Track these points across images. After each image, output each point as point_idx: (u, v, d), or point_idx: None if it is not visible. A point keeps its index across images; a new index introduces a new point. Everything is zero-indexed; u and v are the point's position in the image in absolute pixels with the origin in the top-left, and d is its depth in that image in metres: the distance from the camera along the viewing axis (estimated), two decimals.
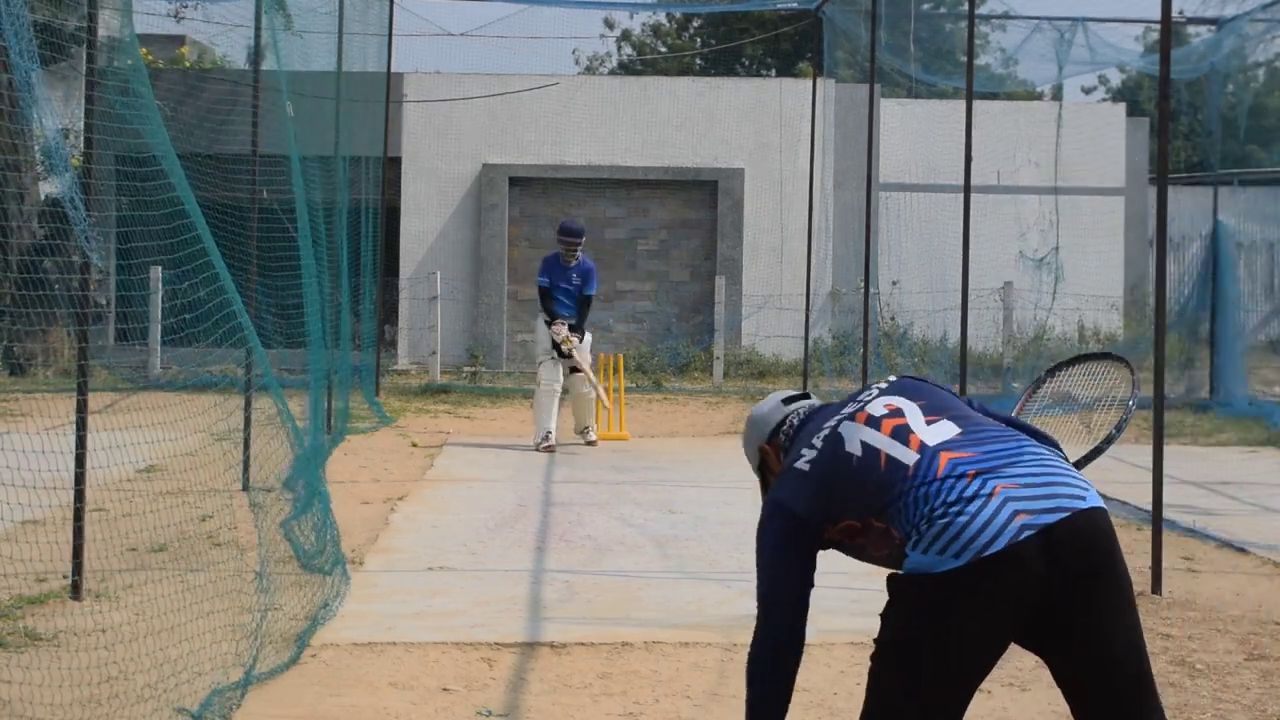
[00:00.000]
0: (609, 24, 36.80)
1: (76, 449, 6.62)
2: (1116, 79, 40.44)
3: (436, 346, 19.31)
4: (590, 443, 13.29)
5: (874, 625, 6.76)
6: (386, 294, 19.47)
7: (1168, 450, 8.23)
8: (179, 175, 6.50)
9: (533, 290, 20.94)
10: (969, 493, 3.32)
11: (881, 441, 3.53)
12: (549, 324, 13.06)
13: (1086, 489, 3.38)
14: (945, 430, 3.51)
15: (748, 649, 3.78)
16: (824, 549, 3.74)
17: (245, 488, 9.66)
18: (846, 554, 3.73)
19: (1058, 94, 25.36)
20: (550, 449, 12.83)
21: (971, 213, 11.32)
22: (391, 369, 19.92)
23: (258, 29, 10.45)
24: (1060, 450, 3.62)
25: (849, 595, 7.40)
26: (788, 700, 3.77)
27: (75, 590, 6.69)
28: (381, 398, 16.35)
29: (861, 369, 14.85)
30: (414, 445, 13.15)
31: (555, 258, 13.20)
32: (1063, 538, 3.28)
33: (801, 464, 3.66)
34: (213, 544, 7.94)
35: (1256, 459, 13.20)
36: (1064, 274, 21.37)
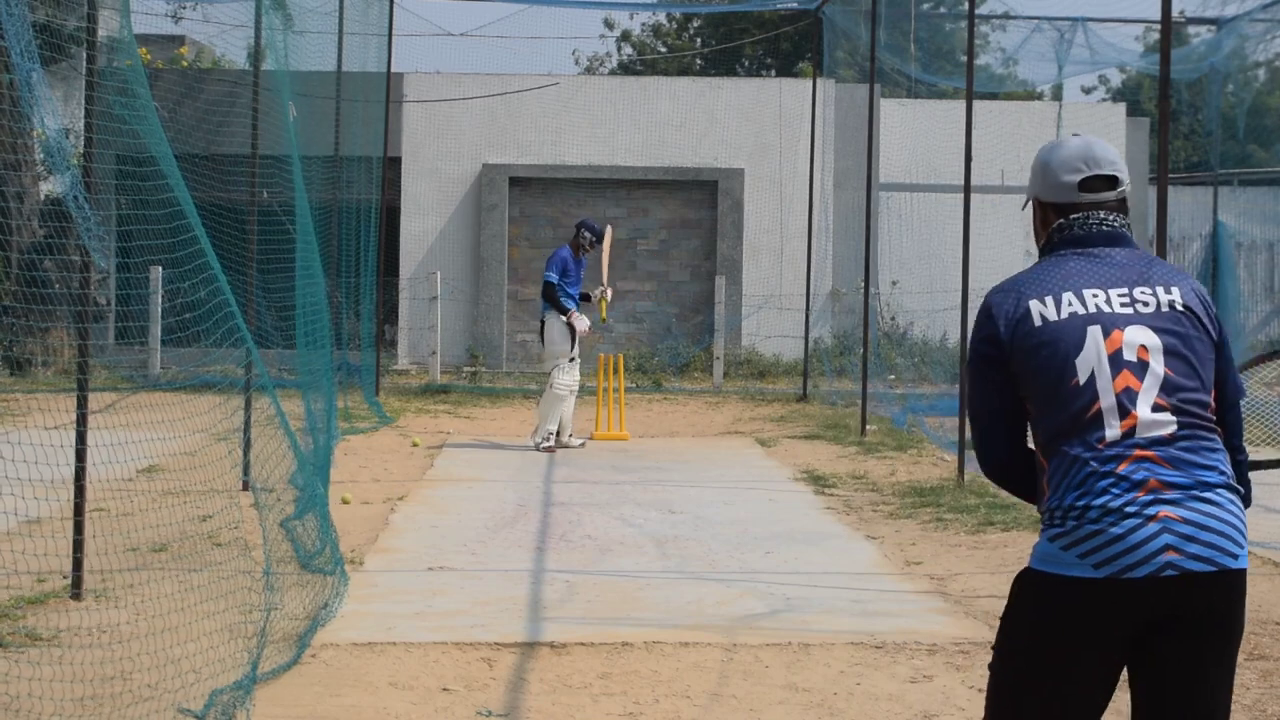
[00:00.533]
0: (609, 24, 36.81)
1: (76, 448, 6.62)
2: (1116, 79, 40.45)
3: (436, 346, 19.31)
4: (580, 444, 13.24)
5: (874, 626, 6.80)
6: (386, 294, 19.47)
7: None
8: (175, 175, 6.50)
9: (532, 290, 21.02)
10: (1134, 507, 3.17)
11: (1105, 390, 3.25)
12: (568, 313, 12.91)
13: (1241, 547, 3.24)
14: (1162, 425, 3.24)
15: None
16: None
17: (246, 488, 9.66)
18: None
19: (1058, 94, 25.37)
20: (551, 449, 12.83)
21: (974, 212, 11.31)
22: (391, 369, 19.93)
23: (258, 29, 10.45)
24: (1242, 479, 3.40)
25: (849, 595, 7.41)
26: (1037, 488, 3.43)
27: (75, 590, 6.69)
28: (381, 398, 16.35)
29: (862, 369, 14.85)
30: (415, 444, 13.15)
31: (568, 253, 13.03)
32: (1199, 589, 3.19)
33: (1036, 310, 3.34)
34: (213, 544, 7.94)
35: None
36: None
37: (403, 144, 20.60)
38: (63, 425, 6.95)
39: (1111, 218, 3.46)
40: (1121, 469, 3.21)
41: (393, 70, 17.99)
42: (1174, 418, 3.26)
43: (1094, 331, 3.29)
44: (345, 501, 9.87)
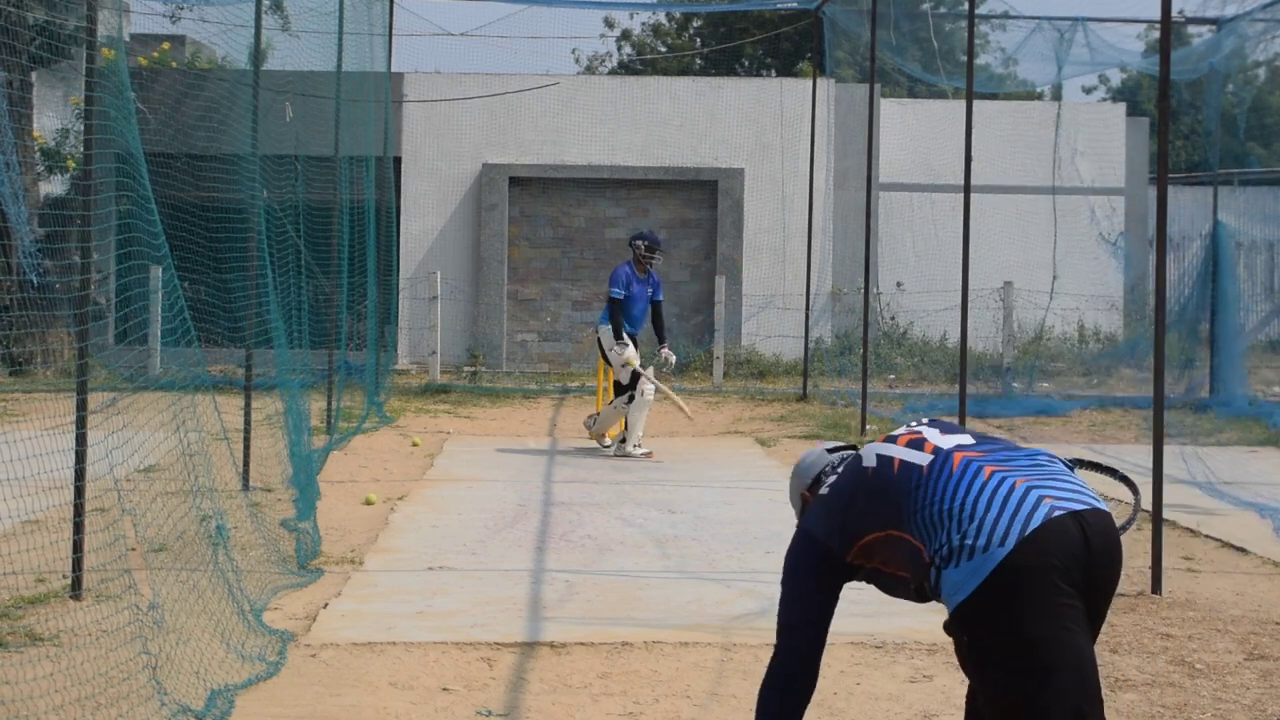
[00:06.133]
0: (609, 24, 36.80)
1: (76, 449, 6.62)
2: (1116, 79, 40.47)
3: (436, 346, 19.30)
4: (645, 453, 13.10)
5: (874, 626, 6.79)
6: (386, 293, 19.45)
7: (1168, 450, 8.24)
8: (143, 174, 6.51)
9: (532, 290, 21.04)
10: (990, 486, 3.39)
11: (895, 451, 3.63)
12: (619, 341, 12.76)
13: (1099, 499, 3.45)
14: (961, 439, 3.61)
15: (762, 677, 3.86)
16: (850, 579, 3.81)
17: (245, 488, 9.67)
18: (872, 583, 3.79)
19: (1058, 94, 25.37)
20: (650, 454, 12.74)
21: (974, 212, 11.29)
22: (391, 369, 19.91)
23: (258, 29, 10.45)
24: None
25: (848, 595, 7.39)
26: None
27: (75, 590, 6.69)
28: (381, 397, 16.34)
29: (861, 369, 14.85)
30: (415, 444, 13.15)
31: (630, 269, 12.95)
32: (1092, 524, 3.37)
33: (824, 490, 3.81)
34: (212, 544, 7.94)
35: (1256, 459, 13.19)
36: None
37: (403, 144, 20.59)
38: (62, 425, 6.94)
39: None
40: (955, 468, 3.56)
41: (393, 70, 17.98)
42: (969, 436, 3.73)
43: (865, 448, 3.85)
44: (369, 502, 9.92)
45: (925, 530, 3.45)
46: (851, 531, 3.67)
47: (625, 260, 13.21)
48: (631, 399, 12.73)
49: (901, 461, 3.59)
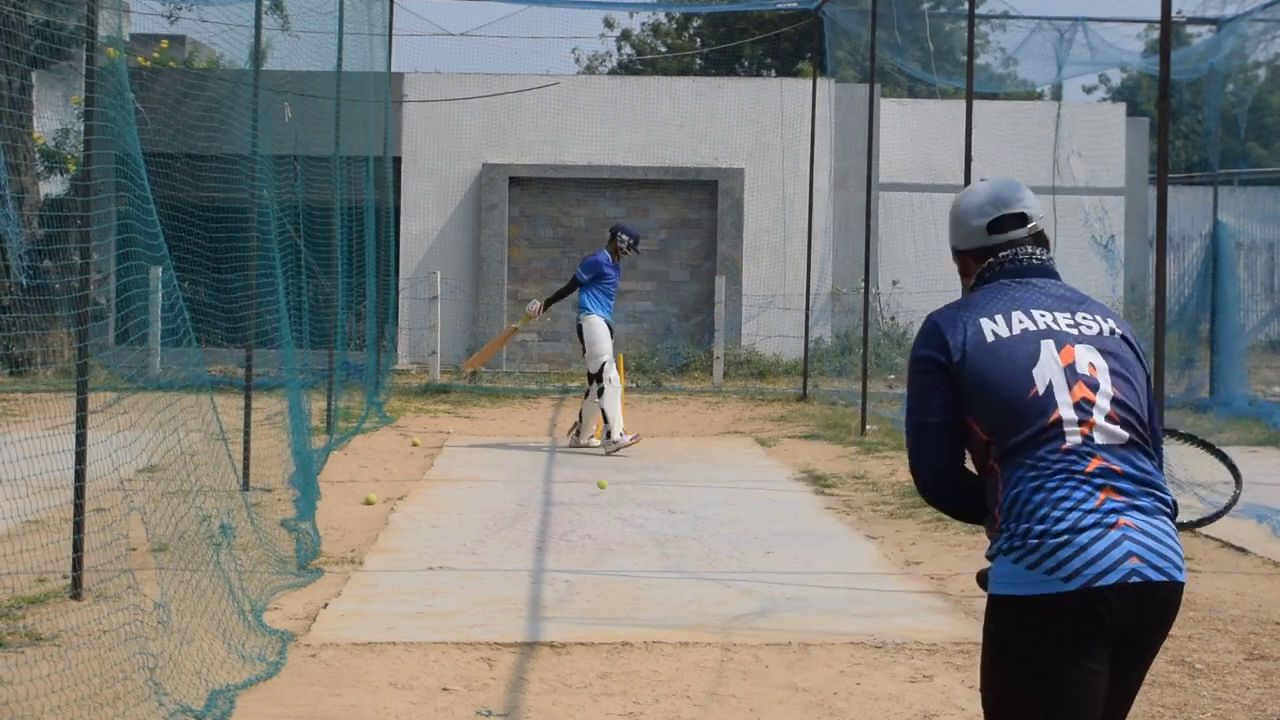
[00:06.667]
0: (609, 24, 36.81)
1: (76, 449, 6.62)
2: (1116, 79, 40.48)
3: (436, 346, 19.30)
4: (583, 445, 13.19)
5: (874, 626, 6.79)
6: (386, 294, 19.45)
7: (1167, 450, 8.22)
8: (143, 175, 6.52)
9: (532, 290, 21.00)
10: (1094, 515, 3.22)
11: (1064, 400, 3.29)
12: (541, 303, 13.50)
13: (1183, 564, 3.35)
14: (1115, 436, 3.31)
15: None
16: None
17: (245, 488, 9.66)
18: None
19: (1058, 94, 25.37)
20: (637, 439, 12.84)
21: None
22: (391, 369, 19.91)
23: (258, 29, 10.46)
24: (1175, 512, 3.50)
25: (849, 595, 7.41)
26: (973, 503, 3.46)
27: (75, 590, 6.69)
28: (381, 397, 16.34)
29: (861, 369, 14.85)
30: (415, 444, 13.15)
31: (604, 258, 13.15)
32: (1154, 599, 3.27)
33: (989, 327, 3.39)
34: (213, 544, 7.93)
35: (1256, 459, 13.19)
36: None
37: (403, 144, 20.59)
38: (63, 425, 6.94)
39: (1037, 251, 3.55)
40: (1080, 475, 3.26)
41: (393, 70, 17.97)
42: (1125, 432, 3.34)
43: (1048, 345, 3.36)
44: (369, 502, 9.92)
45: (1016, 499, 3.29)
46: (970, 397, 3.37)
47: (601, 248, 13.44)
48: (602, 392, 12.78)
49: (1060, 418, 3.29)
